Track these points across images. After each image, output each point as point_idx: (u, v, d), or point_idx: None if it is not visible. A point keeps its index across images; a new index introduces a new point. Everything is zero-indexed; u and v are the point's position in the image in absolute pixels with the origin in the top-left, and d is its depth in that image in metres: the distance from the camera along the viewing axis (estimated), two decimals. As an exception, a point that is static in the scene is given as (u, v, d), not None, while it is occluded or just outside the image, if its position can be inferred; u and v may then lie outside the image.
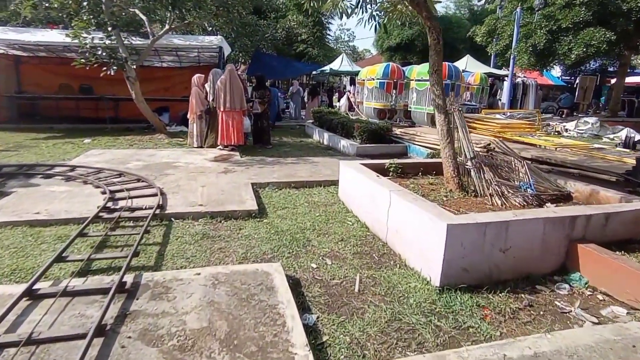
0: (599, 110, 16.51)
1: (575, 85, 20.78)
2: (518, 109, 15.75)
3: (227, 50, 11.05)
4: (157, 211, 4.12)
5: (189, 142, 8.64)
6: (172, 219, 4.11)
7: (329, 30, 24.20)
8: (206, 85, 8.14)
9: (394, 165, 4.87)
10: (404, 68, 11.51)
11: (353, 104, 14.08)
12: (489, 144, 6.00)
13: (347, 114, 13.57)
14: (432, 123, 10.28)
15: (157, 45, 11.21)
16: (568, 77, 20.94)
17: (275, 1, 22.03)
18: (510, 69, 12.95)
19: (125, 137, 9.78)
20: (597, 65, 18.00)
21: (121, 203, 4.36)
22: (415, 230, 3.19)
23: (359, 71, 20.15)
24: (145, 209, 4.18)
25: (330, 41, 25.14)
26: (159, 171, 5.96)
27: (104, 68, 8.73)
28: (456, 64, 11.99)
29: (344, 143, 8.36)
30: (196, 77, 8.44)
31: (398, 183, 4.45)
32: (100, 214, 3.94)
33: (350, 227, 4.17)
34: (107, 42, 8.86)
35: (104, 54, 8.75)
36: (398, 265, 3.31)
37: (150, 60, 14.13)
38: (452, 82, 9.79)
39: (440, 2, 12.77)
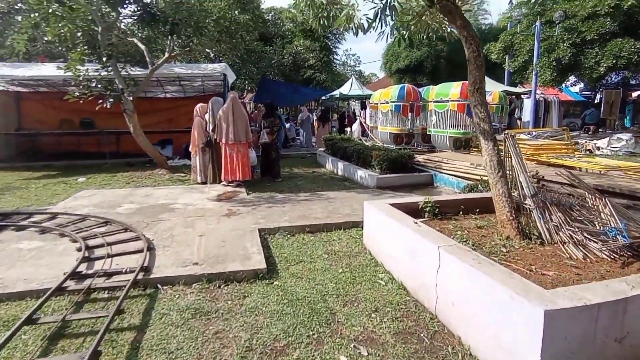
0: (634, 125, 15.54)
1: (596, 100, 19.87)
2: (541, 127, 14.84)
3: (231, 77, 10.50)
4: (140, 275, 3.28)
5: (193, 178, 7.89)
6: (159, 286, 3.25)
7: (336, 54, 23.92)
8: (206, 115, 7.46)
9: (429, 205, 3.98)
10: (420, 89, 10.78)
11: (366, 128, 13.34)
12: (537, 173, 5.10)
13: (360, 139, 12.81)
14: (455, 147, 9.43)
15: (159, 75, 10.73)
16: (588, 92, 20.08)
17: (281, 28, 21.87)
18: (532, 85, 12.14)
19: (123, 173, 9.10)
20: (619, 79, 17.16)
21: (98, 264, 3.52)
22: (486, 309, 2.28)
23: (369, 95, 19.64)
24: (126, 272, 3.34)
25: (337, 66, 24.81)
26: (152, 216, 5.17)
27: (100, 101, 8.15)
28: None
29: (361, 173, 7.52)
30: (199, 107, 7.78)
31: (438, 227, 3.56)
32: (67, 283, 3.10)
33: (383, 290, 3.26)
34: (104, 73, 8.32)
35: (99, 85, 8.19)
36: (460, 355, 2.38)
37: (153, 92, 13.73)
38: (476, 102, 9.01)
39: (471, 10, 12.10)
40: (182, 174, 8.64)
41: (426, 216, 3.98)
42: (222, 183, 7.27)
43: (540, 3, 12.17)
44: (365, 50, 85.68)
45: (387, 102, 10.66)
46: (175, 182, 8.03)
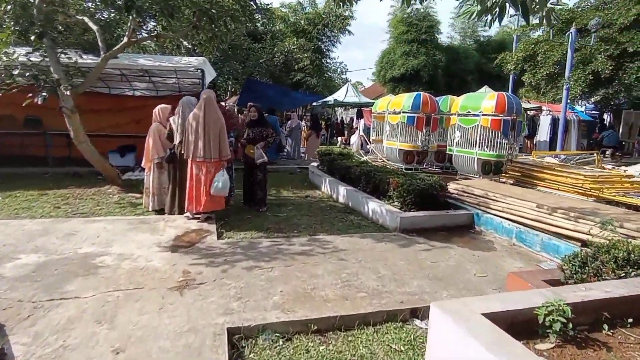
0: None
1: (605, 121, 18.67)
2: (558, 149, 13.34)
3: (210, 75, 8.50)
4: None
5: (145, 203, 5.84)
6: None
7: (329, 58, 22.13)
8: (172, 120, 5.44)
9: (558, 316, 2.09)
10: (437, 99, 9.02)
11: (367, 142, 11.55)
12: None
13: (360, 154, 10.97)
14: (484, 172, 7.66)
15: (120, 67, 8.66)
16: (596, 112, 18.89)
17: (271, 27, 19.95)
18: (563, 100, 10.58)
19: (61, 189, 6.96)
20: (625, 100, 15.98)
21: None
22: None
23: (366, 103, 17.88)
24: None
25: (329, 71, 23.03)
26: (54, 286, 3.13)
27: (29, 95, 6.04)
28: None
29: (374, 207, 5.62)
30: (159, 109, 5.78)
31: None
32: None
33: None
34: (36, 58, 6.23)
35: (27, 74, 6.08)
36: None
37: (120, 88, 11.62)
38: (513, 118, 7.28)
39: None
40: (138, 195, 6.56)
41: (551, 338, 2.10)
42: (185, 214, 5.25)
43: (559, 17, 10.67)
44: (351, 59, 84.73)
45: (398, 113, 8.84)
46: (125, 207, 5.96)
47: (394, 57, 24.10)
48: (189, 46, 9.22)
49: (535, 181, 7.28)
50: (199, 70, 8.39)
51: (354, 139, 11.17)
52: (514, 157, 7.54)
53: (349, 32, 20.24)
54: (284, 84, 18.90)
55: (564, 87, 10.34)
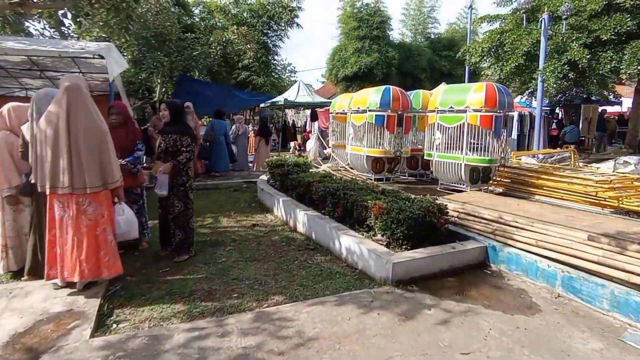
0: (611, 145, 14.04)
1: (559, 117, 18.57)
2: (527, 148, 12.57)
3: (118, 65, 6.35)
4: None
5: (-6, 260, 3.71)
6: None
7: (277, 55, 20.27)
8: (24, 128, 3.40)
9: None
10: (409, 93, 7.56)
11: (325, 146, 9.93)
12: None
13: (319, 162, 9.31)
14: (472, 181, 6.28)
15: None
16: (546, 107, 18.77)
17: (209, 21, 17.71)
18: (539, 94, 9.60)
19: None
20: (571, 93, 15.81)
21: None
22: None
23: (321, 102, 16.26)
24: None
25: (277, 69, 21.14)
26: None
27: None
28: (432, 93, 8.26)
29: (350, 244, 3.93)
30: (8, 109, 3.67)
31: None
32: None
33: None
34: None
35: None
36: None
37: (7, 87, 9.10)
38: (505, 114, 5.97)
39: None
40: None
41: None
42: (53, 280, 3.22)
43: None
44: (300, 60, 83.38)
45: (363, 111, 7.27)
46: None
47: (346, 55, 22.82)
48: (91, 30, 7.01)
49: (530, 189, 6.01)
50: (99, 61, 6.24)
51: (310, 144, 9.48)
52: (506, 161, 6.22)
53: (298, 25, 18.52)
54: (227, 83, 16.80)
55: (539, 79, 9.35)
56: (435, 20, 27.32)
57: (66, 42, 6.67)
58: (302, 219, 5.03)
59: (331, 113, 9.18)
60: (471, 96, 5.95)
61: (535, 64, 10.03)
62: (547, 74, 8.96)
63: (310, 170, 7.02)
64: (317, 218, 4.75)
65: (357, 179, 6.27)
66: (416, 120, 7.58)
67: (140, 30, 8.89)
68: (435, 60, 25.40)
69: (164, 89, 11.79)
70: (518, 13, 10.95)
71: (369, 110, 7.13)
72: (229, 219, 5.74)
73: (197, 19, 17.67)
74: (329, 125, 14.16)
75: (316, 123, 14.62)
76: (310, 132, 17.34)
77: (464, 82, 17.64)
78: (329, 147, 11.14)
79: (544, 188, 5.87)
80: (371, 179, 7.35)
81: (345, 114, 8.20)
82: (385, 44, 23.25)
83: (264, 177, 7.75)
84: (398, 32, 27.91)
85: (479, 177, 6.36)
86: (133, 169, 3.95)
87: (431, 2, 26.90)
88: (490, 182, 6.47)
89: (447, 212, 4.08)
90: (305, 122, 19.47)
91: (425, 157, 6.90)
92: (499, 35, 10.83)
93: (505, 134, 6.07)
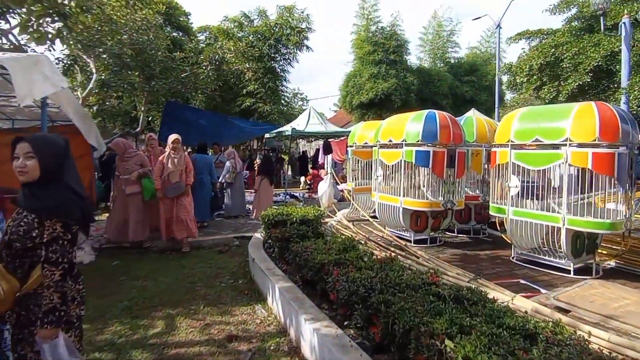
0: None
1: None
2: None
3: (49, 83, 4.44)
4: None
5: None
6: None
7: (286, 81, 18.60)
8: None
9: None
10: (459, 118, 5.48)
11: (338, 180, 7.86)
12: None
13: (333, 210, 7.22)
14: (576, 252, 4.05)
15: None
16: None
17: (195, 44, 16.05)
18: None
19: None
20: None
21: None
22: None
23: (336, 132, 14.31)
24: None
25: (286, 96, 19.45)
26: None
27: None
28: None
29: None
30: None
31: None
32: None
33: None
34: None
35: None
36: None
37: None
38: (630, 149, 3.82)
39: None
40: None
41: None
42: None
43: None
44: (311, 91, 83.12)
45: (397, 146, 5.19)
46: None
47: (361, 81, 21.14)
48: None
49: None
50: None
51: (323, 187, 7.38)
52: (631, 224, 3.98)
53: (308, 47, 16.92)
54: (230, 112, 15.09)
55: (622, 99, 7.19)
56: (456, 44, 25.70)
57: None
58: (311, 338, 2.85)
59: (350, 146, 7.14)
60: (573, 123, 3.81)
61: (607, 82, 7.92)
62: (635, 92, 6.81)
63: (323, 226, 4.93)
64: (336, 344, 2.57)
65: (388, 240, 4.11)
66: (469, 156, 5.45)
67: (113, 47, 7.18)
68: (457, 86, 23.57)
69: (149, 118, 9.96)
70: (575, 24, 8.96)
71: (407, 145, 5.04)
72: (192, 322, 3.57)
73: (202, 45, 16.21)
74: (346, 161, 12.11)
75: (329, 157, 12.63)
76: (323, 165, 15.34)
77: (495, 105, 15.59)
78: (342, 184, 9.05)
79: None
80: (409, 240, 5.18)
81: (370, 148, 6.14)
82: (403, 68, 21.58)
83: (259, 234, 5.63)
84: (415, 57, 26.20)
85: (584, 247, 4.12)
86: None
87: (450, 27, 25.37)
88: (597, 252, 4.23)
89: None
90: (316, 154, 17.49)
91: (491, 212, 4.71)
92: (553, 50, 8.79)
93: (631, 182, 3.87)
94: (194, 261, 5.42)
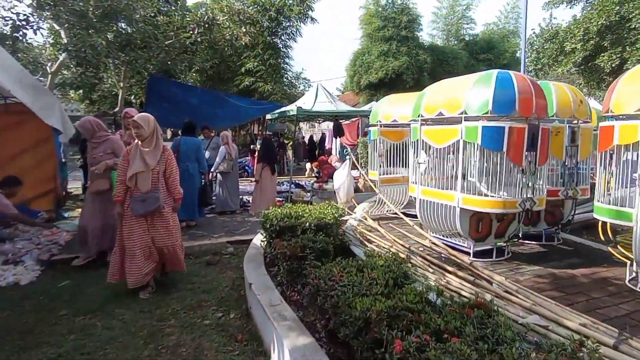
0: None
1: None
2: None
3: None
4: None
5: None
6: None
7: (289, 58, 16.92)
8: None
9: None
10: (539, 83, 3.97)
11: (363, 179, 6.41)
12: None
13: (350, 205, 5.77)
14: None
15: None
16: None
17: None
18: None
19: None
20: None
21: None
22: None
23: (348, 111, 12.72)
24: None
25: (289, 74, 17.72)
26: None
27: None
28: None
29: None
30: None
31: None
32: None
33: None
34: None
35: None
36: None
37: None
38: None
39: None
40: None
41: None
42: None
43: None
44: (314, 72, 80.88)
45: (454, 122, 3.70)
46: None
47: (370, 59, 19.48)
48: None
49: None
50: None
51: (339, 178, 5.84)
52: None
53: (313, 19, 15.21)
54: (227, 92, 13.50)
55: None
56: (471, 20, 23.84)
57: None
58: None
59: (372, 125, 5.62)
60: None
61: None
62: None
63: (344, 224, 3.53)
64: None
65: (435, 251, 2.68)
66: (549, 136, 3.94)
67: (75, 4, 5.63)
68: (473, 65, 21.82)
69: (132, 96, 8.42)
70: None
71: (467, 119, 3.54)
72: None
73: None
74: (359, 146, 10.57)
75: (338, 140, 11.13)
76: (330, 150, 13.82)
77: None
78: (360, 169, 7.58)
79: None
80: (467, 252, 3.75)
81: (401, 126, 4.64)
82: (415, 46, 19.87)
83: (259, 240, 4.19)
84: (427, 34, 24.33)
85: None
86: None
87: (467, 0, 23.46)
88: None
89: None
90: (322, 139, 15.93)
91: (595, 215, 3.23)
92: (617, 8, 7.18)
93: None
94: (172, 280, 4.00)
